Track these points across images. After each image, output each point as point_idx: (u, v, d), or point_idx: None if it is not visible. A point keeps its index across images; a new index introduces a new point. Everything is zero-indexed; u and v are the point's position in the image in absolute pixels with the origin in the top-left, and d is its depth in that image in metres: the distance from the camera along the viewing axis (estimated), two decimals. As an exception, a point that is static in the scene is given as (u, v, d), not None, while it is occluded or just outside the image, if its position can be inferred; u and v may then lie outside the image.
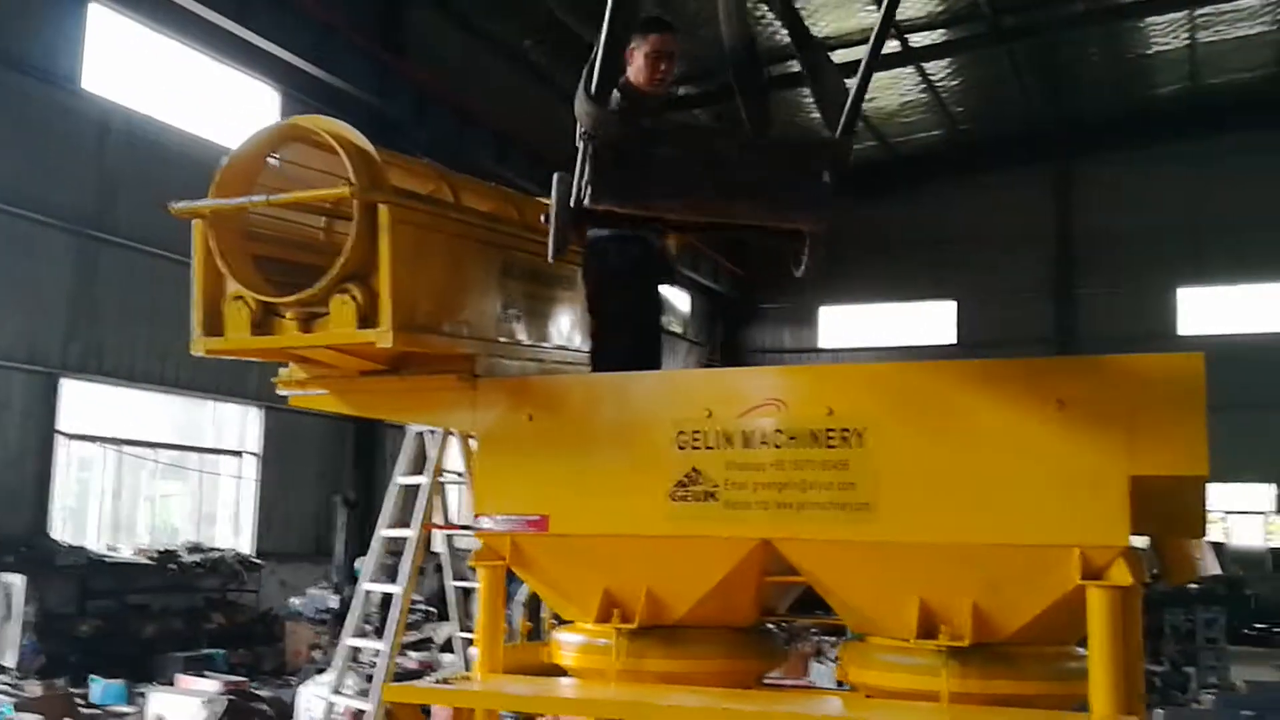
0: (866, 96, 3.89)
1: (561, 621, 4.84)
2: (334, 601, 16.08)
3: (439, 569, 11.76)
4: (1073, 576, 3.64)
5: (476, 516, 4.57)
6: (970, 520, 3.81)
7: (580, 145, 3.61)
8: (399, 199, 4.25)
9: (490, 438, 4.67)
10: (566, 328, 5.38)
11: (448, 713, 6.59)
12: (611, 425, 4.44)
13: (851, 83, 3.83)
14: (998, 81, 27.71)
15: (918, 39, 24.74)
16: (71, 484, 16.45)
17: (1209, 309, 29.70)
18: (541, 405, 4.54)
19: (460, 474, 9.13)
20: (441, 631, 14.65)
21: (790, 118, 23.92)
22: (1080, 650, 3.90)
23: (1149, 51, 26.41)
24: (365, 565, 9.37)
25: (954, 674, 3.87)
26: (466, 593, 9.52)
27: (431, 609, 16.19)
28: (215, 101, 18.17)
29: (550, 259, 4.19)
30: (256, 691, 12.34)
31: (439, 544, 9.73)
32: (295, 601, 16.96)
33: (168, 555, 16.76)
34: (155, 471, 18.04)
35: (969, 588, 3.86)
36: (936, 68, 26.69)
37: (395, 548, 9.53)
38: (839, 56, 4.97)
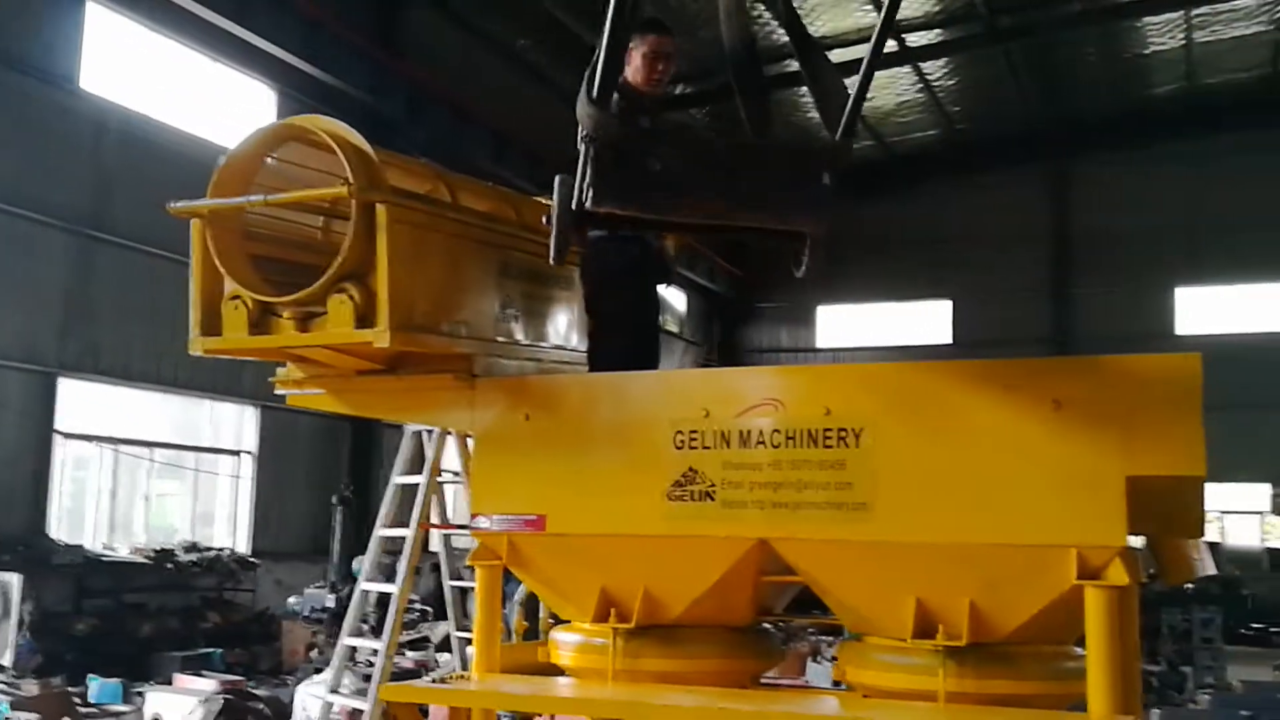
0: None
1: (558, 621, 4.84)
2: (330, 601, 16.07)
3: (435, 568, 11.79)
4: (1070, 576, 3.65)
5: (474, 516, 4.57)
6: (967, 520, 3.82)
7: (582, 148, 3.61)
8: (397, 199, 4.25)
9: (487, 437, 4.67)
10: (564, 327, 5.38)
11: (444, 712, 6.59)
12: (609, 425, 4.44)
13: (851, 84, 3.83)
14: (994, 81, 27.74)
15: (914, 39, 24.78)
16: (68, 483, 16.43)
17: (1206, 309, 29.73)
18: (539, 405, 4.54)
19: (457, 473, 9.13)
20: (438, 631, 14.66)
21: (788, 117, 23.95)
22: (1077, 650, 3.91)
23: (1145, 51, 26.44)
24: (363, 565, 9.37)
25: (951, 674, 3.87)
26: (463, 592, 9.52)
27: (428, 608, 16.19)
28: (211, 100, 18.16)
29: (552, 261, 4.19)
30: (253, 691, 12.33)
31: (436, 543, 9.72)
32: (292, 601, 16.96)
33: (164, 554, 16.77)
34: (152, 471, 18.03)
35: (966, 587, 3.87)
36: (933, 67, 26.72)
37: (392, 547, 9.53)
38: (835, 56, 4.96)
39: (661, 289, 6.09)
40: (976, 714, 3.88)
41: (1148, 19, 24.86)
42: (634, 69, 5.28)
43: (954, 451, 3.88)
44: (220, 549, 18.09)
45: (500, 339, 4.88)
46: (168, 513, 18.94)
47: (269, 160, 4.57)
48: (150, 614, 15.95)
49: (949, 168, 31.02)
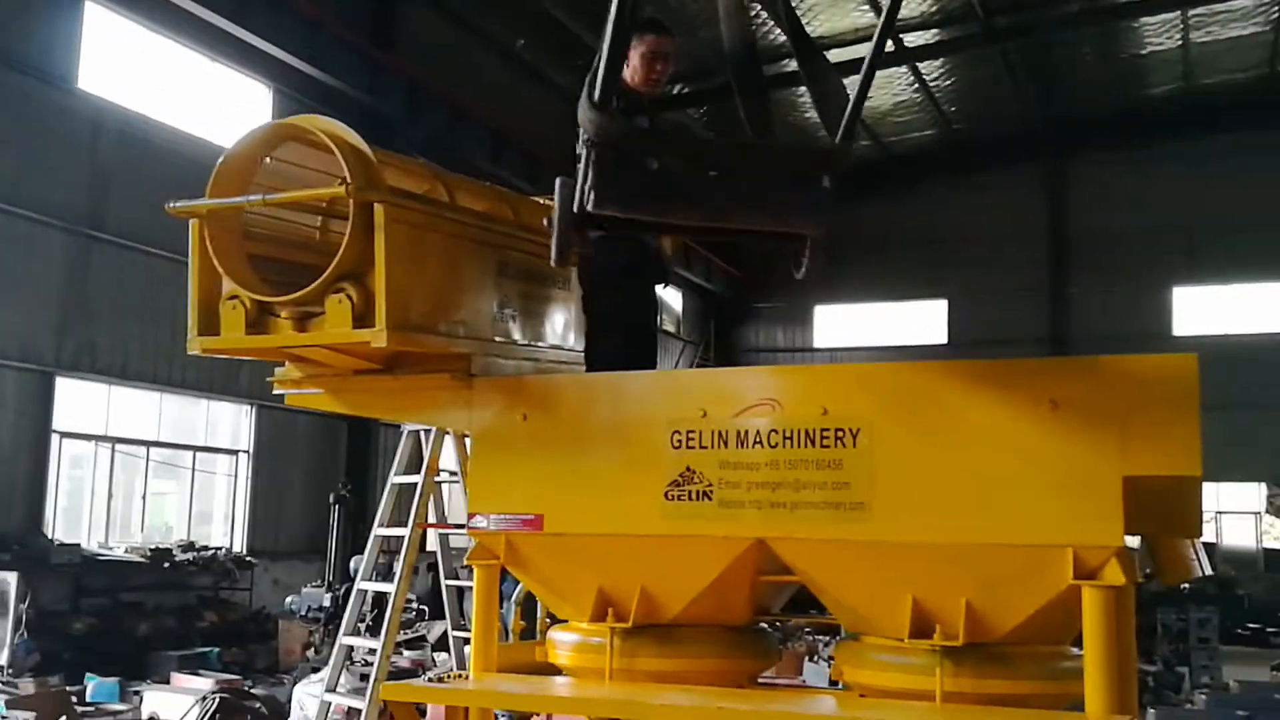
0: (860, 96, 3.89)
1: (556, 620, 4.84)
2: (327, 600, 16.08)
3: (432, 568, 11.79)
4: (1066, 576, 3.65)
5: (471, 515, 4.58)
6: (964, 520, 3.82)
7: (583, 151, 3.61)
8: (394, 198, 4.25)
9: (485, 437, 4.68)
10: (561, 327, 5.38)
11: (441, 711, 6.60)
12: (606, 425, 4.44)
13: (850, 86, 3.83)
14: (991, 81, 27.76)
15: (911, 39, 24.79)
16: (65, 482, 16.43)
17: (1204, 309, 29.75)
18: (536, 405, 4.55)
19: (455, 473, 9.13)
20: (435, 630, 14.65)
21: (786, 116, 23.97)
22: (1074, 650, 3.92)
23: (1142, 52, 26.47)
24: (360, 564, 9.38)
25: (948, 673, 3.87)
26: (460, 591, 9.52)
27: (425, 607, 16.19)
28: (209, 100, 18.16)
29: (554, 264, 4.19)
30: (250, 690, 12.34)
31: (433, 543, 9.72)
32: (289, 600, 16.96)
33: (161, 553, 16.77)
34: (149, 470, 18.02)
35: (963, 587, 3.87)
36: (930, 68, 26.75)
37: (390, 546, 9.53)
38: (833, 56, 4.98)
39: (659, 289, 6.11)
40: (973, 714, 3.88)
41: (1144, 19, 24.89)
42: (632, 69, 5.29)
43: (951, 451, 3.88)
44: (217, 548, 18.10)
45: (498, 339, 4.88)
46: (165, 512, 18.94)
47: (267, 160, 4.57)
48: (147, 613, 15.96)
49: (946, 168, 31.05)
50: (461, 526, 5.29)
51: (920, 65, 26.34)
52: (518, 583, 7.48)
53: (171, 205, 4.47)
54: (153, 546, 16.98)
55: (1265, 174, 28.12)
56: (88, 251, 16.04)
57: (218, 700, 10.83)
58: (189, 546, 17.42)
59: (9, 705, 10.87)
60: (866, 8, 22.80)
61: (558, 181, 3.88)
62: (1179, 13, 24.34)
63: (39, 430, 15.51)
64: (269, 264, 4.59)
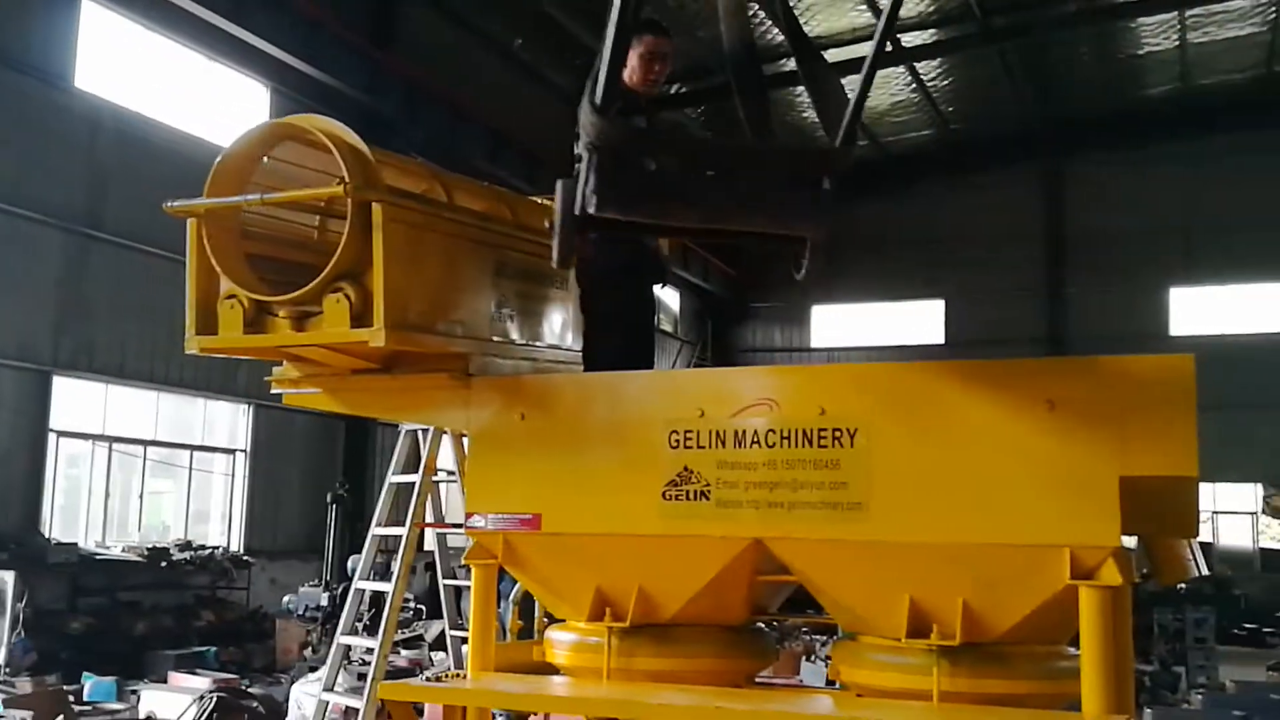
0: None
1: (553, 620, 4.85)
2: (324, 599, 16.08)
3: (430, 567, 11.79)
4: (1063, 576, 3.65)
5: (469, 515, 4.58)
6: (961, 520, 3.83)
7: (585, 154, 3.62)
8: (392, 198, 4.25)
9: (483, 436, 4.68)
10: (559, 327, 5.38)
11: (439, 711, 6.60)
12: (604, 424, 4.45)
13: (849, 87, 3.84)
14: (989, 81, 27.78)
15: (909, 39, 24.81)
16: (62, 481, 16.43)
17: (1201, 309, 29.76)
18: (534, 404, 4.55)
19: (452, 473, 9.14)
20: (433, 629, 14.66)
21: (784, 116, 23.98)
22: (1071, 650, 3.92)
23: (1140, 52, 26.49)
24: (358, 563, 9.38)
25: (945, 673, 3.87)
26: (458, 591, 9.52)
27: (422, 606, 16.20)
28: (207, 99, 18.15)
29: (555, 266, 4.20)
30: (247, 689, 12.34)
31: (431, 542, 9.73)
32: (286, 599, 16.96)
33: (158, 552, 16.77)
34: (146, 469, 18.02)
35: (960, 587, 3.87)
36: (927, 67, 26.76)
37: (388, 546, 9.53)
38: (830, 56, 4.98)
39: (656, 289, 6.11)
40: (970, 713, 3.89)
41: (1142, 20, 24.91)
42: (630, 69, 5.29)
43: (948, 451, 3.88)
44: (214, 547, 18.10)
45: (495, 338, 4.88)
46: (162, 511, 18.94)
47: (265, 160, 4.58)
48: (144, 612, 15.96)
49: (943, 168, 31.06)
50: (459, 526, 5.29)
51: (918, 65, 26.36)
52: (515, 582, 7.48)
53: (169, 204, 4.47)
54: (150, 546, 16.98)
55: (1262, 174, 28.14)
56: (85, 250, 16.03)
57: (215, 699, 10.83)
58: (186, 546, 17.42)
59: (6, 704, 10.88)
60: (864, 8, 22.81)
61: (558, 184, 3.88)
62: (1176, 13, 24.36)
63: (36, 429, 15.50)
64: (267, 263, 4.59)
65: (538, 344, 5.18)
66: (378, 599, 9.84)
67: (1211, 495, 27.84)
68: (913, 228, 31.49)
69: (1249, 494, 28.60)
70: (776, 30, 13.38)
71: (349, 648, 9.38)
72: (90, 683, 12.86)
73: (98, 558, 15.93)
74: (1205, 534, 27.58)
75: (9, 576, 13.57)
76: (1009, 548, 3.78)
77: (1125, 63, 27.10)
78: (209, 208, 4.39)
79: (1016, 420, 3.82)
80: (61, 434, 16.08)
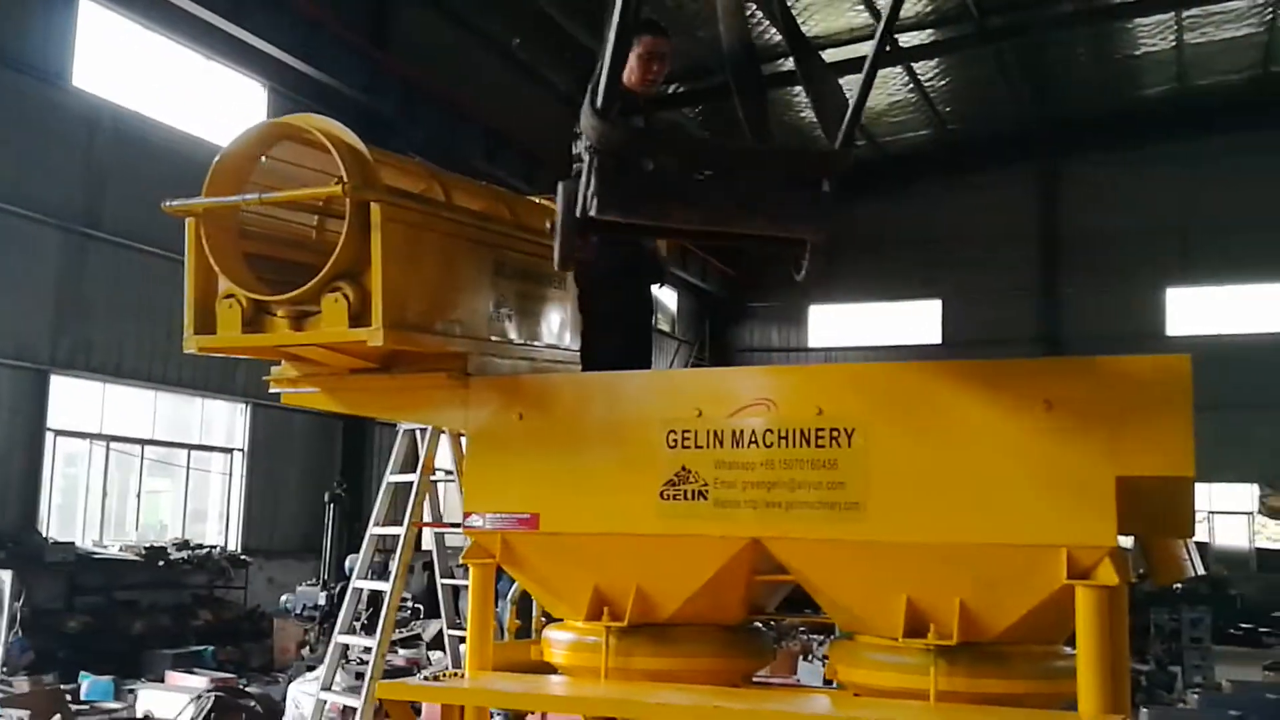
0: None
1: (551, 619, 4.85)
2: (322, 599, 16.08)
3: (427, 566, 11.78)
4: (1060, 576, 3.66)
5: (467, 514, 4.58)
6: (958, 520, 3.83)
7: (585, 157, 3.63)
8: (391, 198, 4.26)
9: (481, 436, 4.68)
10: (558, 327, 5.39)
11: (437, 710, 6.60)
12: (602, 424, 4.45)
13: (847, 87, 3.84)
14: (986, 81, 27.80)
15: (906, 39, 24.80)
16: (60, 480, 16.42)
17: (1197, 309, 29.78)
18: (532, 404, 4.55)
19: (450, 472, 9.14)
20: (430, 629, 14.65)
21: (782, 116, 23.98)
22: (1067, 649, 3.93)
23: (1137, 52, 26.50)
24: (356, 563, 9.38)
25: (942, 672, 3.88)
26: (456, 590, 9.52)
27: (420, 606, 16.20)
28: (205, 98, 18.14)
29: (557, 269, 4.20)
30: (245, 688, 12.33)
31: (428, 541, 9.73)
32: (284, 599, 16.96)
33: (156, 552, 16.76)
34: (144, 468, 18.01)
35: (957, 587, 3.88)
36: (925, 68, 26.77)
37: (385, 545, 9.53)
38: (828, 56, 4.99)
39: (654, 289, 6.12)
40: (967, 713, 3.90)
41: (1138, 20, 24.92)
42: (629, 69, 5.29)
43: (945, 451, 3.89)
44: (212, 547, 18.09)
45: (494, 338, 4.88)
46: (160, 510, 18.93)
47: (263, 159, 4.58)
48: (142, 611, 15.95)
49: (940, 168, 31.08)
50: (457, 525, 5.30)
51: (915, 65, 26.37)
52: (513, 581, 7.48)
53: (167, 204, 4.47)
54: (147, 545, 16.97)
55: (1259, 175, 28.16)
56: (83, 250, 16.02)
57: (212, 699, 10.83)
58: (184, 545, 17.41)
59: (3, 704, 10.87)
60: (861, 8, 22.80)
61: (559, 186, 3.89)
62: (1173, 14, 24.38)
63: (34, 428, 15.49)
64: (265, 263, 4.59)
65: (536, 344, 5.19)
66: (375, 598, 9.83)
67: (1208, 495, 27.84)
68: (910, 228, 31.49)
69: (1245, 494, 28.58)
70: (773, 30, 13.40)
71: (346, 647, 9.38)
72: (87, 682, 12.85)
73: (95, 557, 15.92)
74: (1201, 534, 27.58)
75: (6, 575, 13.56)
76: (1006, 547, 3.79)
77: (1122, 63, 27.12)
78: (207, 207, 4.39)
79: (1013, 420, 3.83)
80: (59, 433, 16.07)
